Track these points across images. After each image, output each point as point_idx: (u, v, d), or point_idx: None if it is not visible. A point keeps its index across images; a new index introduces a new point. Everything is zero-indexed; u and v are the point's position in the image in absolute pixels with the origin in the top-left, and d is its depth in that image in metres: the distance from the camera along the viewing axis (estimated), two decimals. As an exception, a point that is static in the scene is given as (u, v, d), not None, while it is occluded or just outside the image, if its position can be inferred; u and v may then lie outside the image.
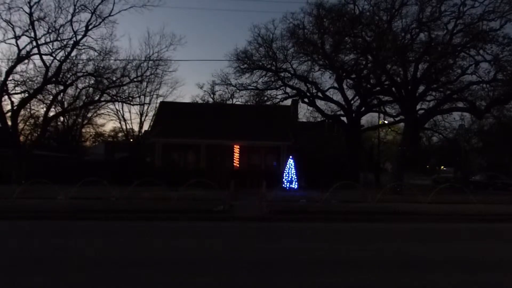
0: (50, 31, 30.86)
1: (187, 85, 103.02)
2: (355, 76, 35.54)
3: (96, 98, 37.73)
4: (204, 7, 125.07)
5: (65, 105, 40.19)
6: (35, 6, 30.00)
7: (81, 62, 33.97)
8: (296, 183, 22.18)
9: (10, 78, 30.90)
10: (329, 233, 10.94)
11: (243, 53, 38.01)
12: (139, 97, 42.53)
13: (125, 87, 37.82)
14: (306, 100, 38.46)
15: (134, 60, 38.96)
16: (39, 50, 30.69)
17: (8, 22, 29.84)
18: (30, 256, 7.32)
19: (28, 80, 32.94)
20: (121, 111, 45.94)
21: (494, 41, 26.72)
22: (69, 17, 31.26)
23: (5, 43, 30.89)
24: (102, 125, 58.27)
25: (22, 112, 36.17)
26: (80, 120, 44.13)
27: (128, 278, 5.97)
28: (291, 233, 10.79)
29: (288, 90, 38.91)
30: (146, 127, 43.33)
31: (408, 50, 28.33)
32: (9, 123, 31.00)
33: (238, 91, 41.36)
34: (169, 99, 43.91)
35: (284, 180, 22.72)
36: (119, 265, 6.79)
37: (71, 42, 31.58)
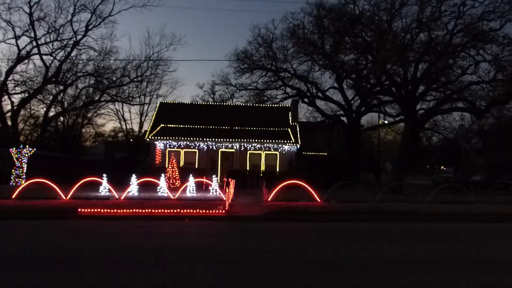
0: (50, 31, 30.98)
1: (187, 85, 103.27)
2: (355, 76, 35.56)
3: (96, 98, 37.85)
4: (204, 7, 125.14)
5: (65, 105, 40.27)
6: (35, 6, 30.15)
7: (81, 62, 34.11)
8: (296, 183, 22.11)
9: (10, 78, 31.00)
10: (329, 232, 10.95)
11: (243, 53, 38.12)
12: (139, 97, 42.77)
13: (125, 87, 38.03)
14: (306, 100, 38.53)
15: (134, 60, 39.16)
16: (39, 50, 30.79)
17: (8, 22, 29.96)
18: (31, 256, 7.33)
19: (28, 80, 33.06)
20: (121, 111, 46.12)
21: (494, 41, 26.70)
22: (69, 17, 31.42)
23: (5, 43, 31.01)
24: (102, 125, 58.49)
25: (22, 112, 36.27)
26: (80, 120, 44.19)
27: (127, 278, 5.97)
28: (290, 233, 10.79)
29: (288, 90, 39.03)
30: (146, 127, 43.45)
31: (408, 50, 28.32)
32: (9, 123, 31.04)
33: (238, 91, 41.56)
34: (169, 99, 44.17)
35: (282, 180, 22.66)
36: (119, 265, 6.79)
37: (71, 42, 31.71)
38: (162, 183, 18.38)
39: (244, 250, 8.17)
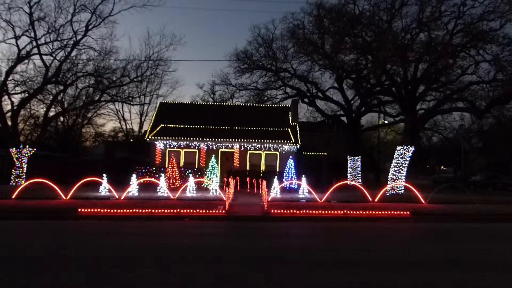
0: (50, 31, 30.91)
1: (187, 85, 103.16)
2: (355, 76, 35.57)
3: (96, 98, 37.81)
4: (204, 7, 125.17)
5: (65, 105, 40.24)
6: (35, 6, 30.06)
7: (81, 62, 34.05)
8: (296, 183, 22.17)
9: (10, 78, 30.93)
10: (329, 232, 10.95)
11: (243, 53, 38.13)
12: (139, 97, 42.80)
13: (125, 87, 37.98)
14: (306, 100, 38.53)
15: (134, 60, 39.12)
16: (39, 50, 30.71)
17: (8, 22, 29.88)
18: (30, 255, 7.33)
19: (28, 80, 33.01)
20: (121, 111, 46.18)
21: (494, 41, 26.72)
22: (69, 17, 31.33)
23: (5, 43, 30.95)
24: (102, 125, 58.50)
25: (22, 112, 36.24)
26: (80, 120, 44.20)
27: (127, 278, 5.97)
28: (290, 233, 10.80)
29: (288, 90, 39.03)
30: (146, 127, 43.52)
31: (408, 50, 28.33)
32: (9, 123, 31.02)
33: (238, 91, 41.58)
34: (169, 99, 44.22)
35: (284, 180, 22.72)
36: (119, 265, 6.79)
37: (71, 42, 31.63)
38: (162, 183, 18.38)
39: (244, 250, 8.17)
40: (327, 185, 21.08)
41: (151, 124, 29.82)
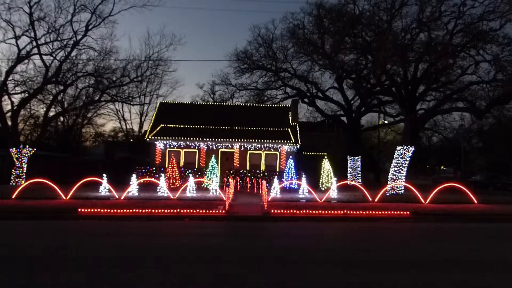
0: (50, 31, 30.90)
1: (187, 85, 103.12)
2: (355, 76, 35.60)
3: (96, 98, 37.80)
4: (204, 7, 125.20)
5: (65, 105, 40.23)
6: (35, 6, 30.05)
7: (81, 62, 34.03)
8: (296, 183, 22.19)
9: (10, 78, 30.91)
10: (329, 232, 10.95)
11: (243, 53, 38.16)
12: (139, 97, 42.76)
13: (125, 87, 37.98)
14: (306, 100, 38.55)
15: (134, 60, 39.11)
16: (39, 50, 30.70)
17: (8, 22, 29.87)
18: (28, 255, 7.33)
19: (28, 80, 33.00)
20: (121, 111, 46.15)
21: (494, 41, 26.73)
22: (69, 17, 31.32)
23: (5, 43, 30.94)
24: (102, 125, 58.45)
25: (22, 112, 36.22)
26: (80, 120, 44.17)
27: (127, 278, 5.97)
28: (290, 233, 10.79)
29: (288, 90, 39.06)
30: (146, 127, 43.49)
31: (408, 50, 28.32)
32: (9, 123, 31.01)
33: (238, 91, 41.60)
34: (169, 99, 44.20)
35: (284, 180, 22.72)
36: (119, 265, 6.79)
37: (71, 42, 31.62)
38: (162, 183, 18.38)
39: (244, 250, 8.17)
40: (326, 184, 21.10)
41: (151, 124, 29.81)
